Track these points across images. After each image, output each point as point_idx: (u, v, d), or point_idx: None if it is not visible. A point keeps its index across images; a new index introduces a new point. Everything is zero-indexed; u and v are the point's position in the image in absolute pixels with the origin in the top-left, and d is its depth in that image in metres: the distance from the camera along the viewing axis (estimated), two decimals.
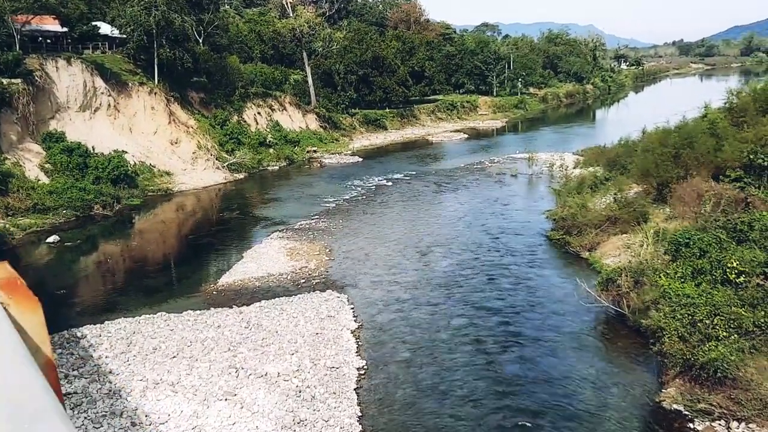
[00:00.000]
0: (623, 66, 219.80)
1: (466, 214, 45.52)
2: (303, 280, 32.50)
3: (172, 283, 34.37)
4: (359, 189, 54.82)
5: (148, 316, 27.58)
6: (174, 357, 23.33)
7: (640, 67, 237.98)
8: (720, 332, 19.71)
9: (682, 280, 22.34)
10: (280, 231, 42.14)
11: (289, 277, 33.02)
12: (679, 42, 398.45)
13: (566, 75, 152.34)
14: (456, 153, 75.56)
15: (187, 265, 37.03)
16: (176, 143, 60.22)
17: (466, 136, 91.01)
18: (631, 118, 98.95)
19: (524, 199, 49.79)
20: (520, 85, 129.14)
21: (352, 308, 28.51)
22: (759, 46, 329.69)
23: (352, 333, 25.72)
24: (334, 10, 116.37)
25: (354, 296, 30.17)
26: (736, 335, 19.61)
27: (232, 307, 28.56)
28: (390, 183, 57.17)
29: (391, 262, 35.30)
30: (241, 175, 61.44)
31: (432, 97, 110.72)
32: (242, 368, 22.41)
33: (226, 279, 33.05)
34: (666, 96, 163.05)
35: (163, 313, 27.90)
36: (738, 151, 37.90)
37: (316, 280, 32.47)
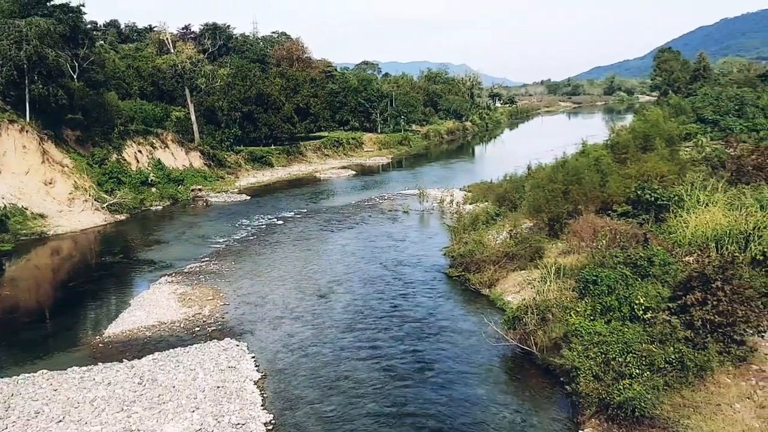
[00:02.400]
0: (498, 104, 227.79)
1: (362, 252, 44.90)
2: (198, 328, 30.70)
3: (52, 336, 31.52)
4: (249, 228, 53.20)
5: (27, 375, 25.03)
6: (60, 421, 21.14)
7: (514, 105, 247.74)
8: (633, 370, 19.81)
9: (592, 317, 22.49)
10: (168, 275, 39.99)
11: (182, 325, 31.12)
12: (547, 81, 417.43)
13: (446, 112, 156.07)
14: (345, 190, 75.16)
15: (68, 315, 34.23)
16: (51, 184, 56.57)
17: (353, 172, 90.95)
18: (510, 154, 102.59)
19: (419, 236, 49.69)
20: (403, 123, 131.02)
21: (253, 356, 27.07)
22: (620, 85, 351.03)
23: (255, 384, 24.29)
24: (215, 47, 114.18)
25: (254, 343, 28.73)
26: (648, 372, 19.77)
27: (122, 361, 26.44)
28: (281, 221, 55.85)
29: (289, 304, 34.06)
30: (122, 216, 58.36)
31: (318, 134, 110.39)
32: (138, 430, 20.59)
33: (113, 329, 30.75)
34: (540, 132, 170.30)
35: (45, 370, 25.45)
36: (623, 187, 39.48)
37: (212, 328, 30.75)
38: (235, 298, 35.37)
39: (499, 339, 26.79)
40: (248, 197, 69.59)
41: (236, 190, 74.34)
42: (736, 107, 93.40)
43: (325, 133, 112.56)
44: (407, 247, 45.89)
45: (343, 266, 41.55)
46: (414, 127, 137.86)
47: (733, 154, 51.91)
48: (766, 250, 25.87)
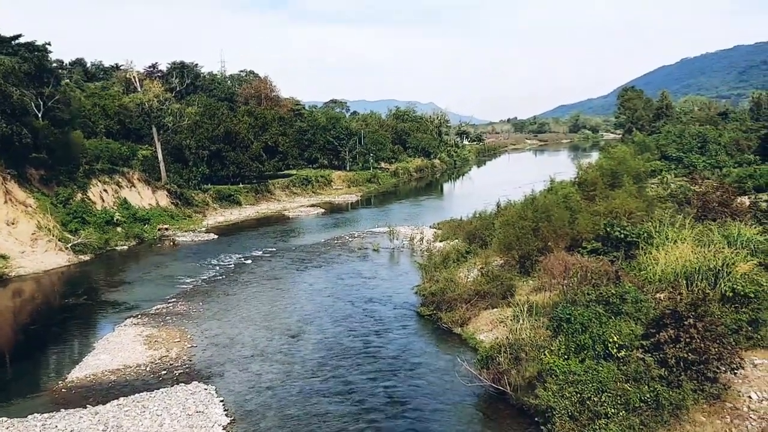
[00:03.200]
0: (466, 141, 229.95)
1: (332, 290, 44.46)
2: (164, 372, 29.92)
3: (12, 381, 30.42)
4: (217, 268, 52.45)
5: None
6: None
7: (482, 143, 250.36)
8: (609, 409, 19.64)
9: (566, 356, 22.31)
10: (134, 317, 39.09)
11: (148, 369, 30.30)
12: (513, 119, 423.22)
13: (415, 150, 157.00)
14: (315, 228, 74.75)
15: (29, 359, 33.16)
16: (13, 224, 55.37)
17: (322, 210, 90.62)
18: (478, 191, 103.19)
19: (389, 274, 49.38)
20: (372, 160, 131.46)
21: (222, 400, 26.37)
22: (585, 123, 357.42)
23: (224, 429, 23.59)
24: (183, 86, 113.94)
25: (222, 386, 28.03)
26: (624, 412, 19.59)
27: (85, 407, 25.56)
28: (249, 261, 55.18)
29: (258, 345, 33.45)
30: (87, 257, 57.17)
31: (286, 172, 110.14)
32: None
33: (77, 374, 29.83)
34: (507, 170, 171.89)
35: (4, 418, 24.49)
36: (592, 224, 39.71)
37: (179, 371, 29.99)
38: (202, 339, 34.64)
39: (472, 379, 26.46)
40: (216, 236, 68.80)
41: (204, 229, 73.49)
42: (699, 144, 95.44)
43: (294, 171, 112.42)
44: (378, 286, 45.55)
45: (313, 305, 41.08)
46: (383, 164, 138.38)
47: (698, 190, 52.65)
48: (735, 286, 25.97)
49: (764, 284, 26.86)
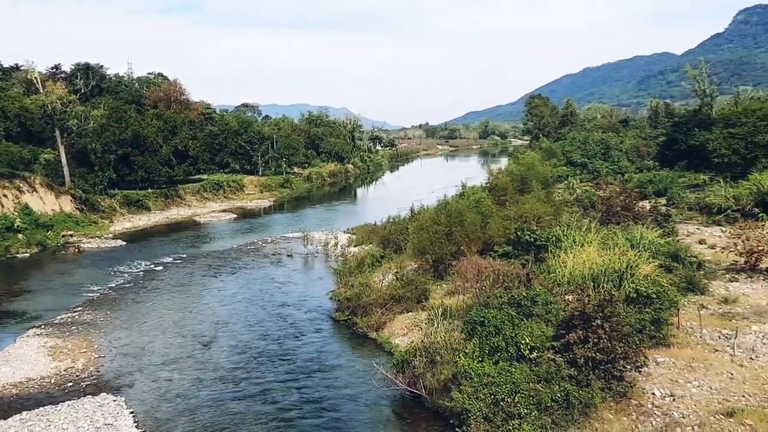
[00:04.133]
0: (379, 147, 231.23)
1: (246, 297, 43.86)
2: (71, 384, 28.82)
3: None
4: (126, 275, 50.88)
5: None
6: None
7: (395, 148, 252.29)
8: (522, 410, 20.13)
9: (481, 359, 22.72)
10: (37, 327, 37.48)
11: (53, 381, 29.12)
12: (425, 125, 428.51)
13: (328, 155, 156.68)
14: (227, 233, 73.55)
15: None
16: None
17: (234, 215, 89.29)
18: (392, 195, 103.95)
19: (304, 280, 49.13)
20: (284, 165, 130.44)
21: (132, 411, 25.65)
22: (494, 129, 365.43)
23: None
24: (88, 88, 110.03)
25: (133, 396, 27.25)
26: (536, 412, 20.12)
27: None
28: (160, 267, 53.80)
29: (170, 353, 32.69)
30: None
31: (197, 177, 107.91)
32: None
33: None
34: (420, 174, 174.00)
35: None
36: (503, 228, 40.62)
37: (87, 383, 28.95)
38: (111, 349, 33.56)
39: (388, 383, 26.61)
40: (124, 243, 66.77)
41: (111, 235, 71.14)
42: (602, 151, 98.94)
43: (205, 176, 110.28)
44: (292, 291, 45.23)
45: (225, 311, 40.49)
46: (296, 169, 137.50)
47: (602, 195, 54.67)
48: (638, 287, 27.08)
49: (665, 285, 28.16)
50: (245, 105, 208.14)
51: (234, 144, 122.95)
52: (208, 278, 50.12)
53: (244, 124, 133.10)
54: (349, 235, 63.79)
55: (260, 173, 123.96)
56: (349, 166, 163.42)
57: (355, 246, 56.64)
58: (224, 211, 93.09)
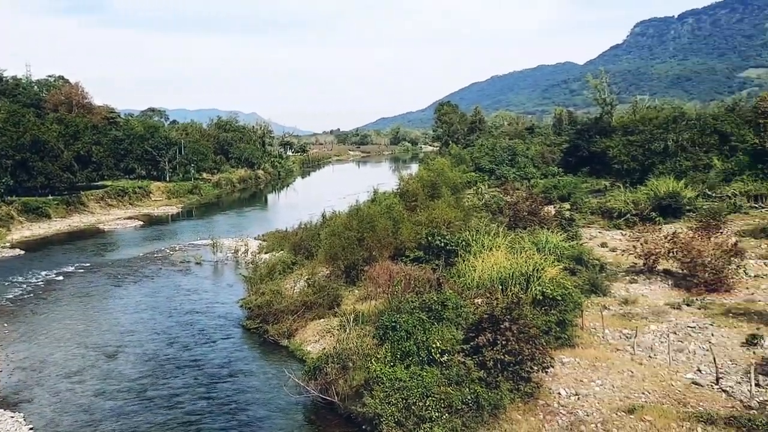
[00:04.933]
0: (290, 152, 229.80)
1: (152, 306, 42.65)
2: None
3: None
4: (24, 286, 48.61)
5: None
6: None
7: (306, 154, 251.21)
8: (433, 413, 20.35)
9: (392, 363, 22.82)
10: None
11: None
12: (336, 131, 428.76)
13: (238, 161, 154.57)
14: (133, 241, 71.39)
15: None
16: None
17: (141, 223, 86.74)
18: (304, 201, 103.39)
19: (214, 288, 48.21)
20: (193, 171, 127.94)
21: (31, 427, 24.68)
22: (405, 136, 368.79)
23: None
24: None
25: (32, 412, 26.12)
26: (447, 415, 20.37)
27: None
28: (61, 277, 51.68)
29: (71, 366, 31.47)
30: None
31: (101, 183, 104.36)
32: None
33: None
34: (332, 180, 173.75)
35: None
36: (414, 233, 41.04)
37: None
38: (8, 363, 32.00)
39: (300, 390, 26.41)
40: (22, 252, 63.86)
41: (8, 244, 67.84)
42: (509, 157, 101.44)
43: (109, 182, 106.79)
44: (201, 300, 44.29)
45: (131, 321, 39.33)
46: (205, 175, 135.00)
47: (509, 200, 56.07)
48: (544, 290, 27.85)
49: (570, 287, 29.06)
50: (152, 109, 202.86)
51: (140, 149, 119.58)
52: (112, 287, 48.50)
53: (151, 129, 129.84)
54: (260, 241, 63.05)
55: (168, 179, 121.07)
56: (260, 171, 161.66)
57: (266, 253, 56.00)
58: (130, 218, 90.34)
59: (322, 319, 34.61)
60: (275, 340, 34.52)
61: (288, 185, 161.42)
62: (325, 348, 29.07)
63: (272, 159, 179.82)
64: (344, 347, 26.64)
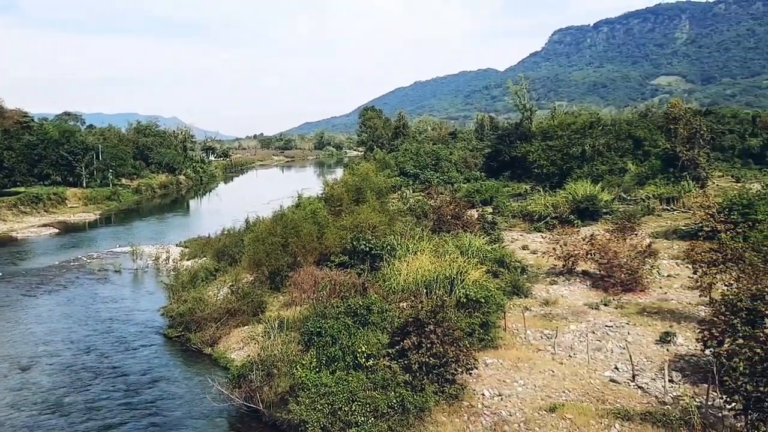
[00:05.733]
0: (212, 157, 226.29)
1: (69, 315, 41.25)
2: None
3: None
4: None
5: None
6: None
7: (229, 159, 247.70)
8: (359, 418, 20.34)
9: (318, 369, 22.70)
10: None
11: None
12: (260, 135, 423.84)
13: (158, 166, 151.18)
14: (48, 249, 68.77)
15: None
16: None
17: (56, 230, 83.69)
18: (227, 207, 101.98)
19: (134, 296, 46.94)
20: (111, 177, 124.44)
21: None
22: (329, 140, 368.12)
23: None
24: None
25: None
26: (373, 419, 20.39)
27: None
28: None
29: None
30: None
31: (13, 190, 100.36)
32: None
33: None
34: (256, 185, 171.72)
35: None
36: (339, 238, 40.95)
37: None
38: None
39: (224, 398, 25.99)
40: None
41: None
42: (433, 162, 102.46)
43: (22, 189, 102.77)
44: (121, 308, 43.07)
45: (46, 332, 37.94)
46: (124, 181, 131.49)
47: (433, 204, 56.65)
48: (468, 292, 28.23)
49: (492, 290, 29.56)
50: (67, 114, 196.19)
51: (55, 154, 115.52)
52: (25, 297, 46.64)
53: (66, 133, 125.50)
54: (182, 248, 61.78)
55: (85, 185, 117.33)
56: (181, 177, 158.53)
57: (188, 259, 54.91)
58: (45, 225, 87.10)
59: (246, 326, 34.18)
60: (198, 348, 33.89)
61: (211, 191, 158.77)
62: (249, 355, 28.71)
63: (194, 164, 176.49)
64: (269, 354, 26.40)
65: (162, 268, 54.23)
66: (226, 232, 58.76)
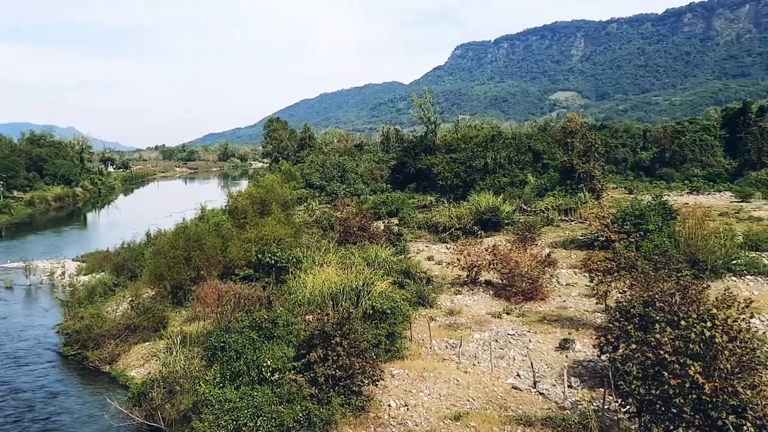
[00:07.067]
0: (111, 169, 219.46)
1: None
2: None
3: None
4: None
5: None
6: None
7: (129, 170, 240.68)
8: None
9: (222, 385, 22.24)
10: None
11: None
12: (161, 147, 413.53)
13: (53, 177, 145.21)
14: None
15: None
16: None
17: None
18: (127, 220, 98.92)
19: (26, 313, 44.69)
20: (2, 189, 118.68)
21: None
22: (234, 152, 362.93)
23: None
24: None
25: None
26: None
27: None
28: None
29: None
30: None
31: None
32: None
33: None
34: (157, 197, 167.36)
35: None
36: (243, 251, 40.41)
37: None
38: None
39: (124, 418, 25.09)
40: None
41: None
42: (340, 174, 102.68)
43: None
44: (12, 327, 40.90)
45: None
46: (16, 193, 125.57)
47: (340, 216, 56.68)
48: (374, 304, 28.34)
49: (398, 300, 29.80)
50: None
51: None
52: None
53: None
54: (79, 263, 59.42)
55: None
56: (78, 189, 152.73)
57: (85, 274, 52.86)
58: None
59: (147, 343, 33.16)
60: (96, 367, 32.60)
61: (110, 203, 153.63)
62: (150, 372, 27.87)
63: (92, 176, 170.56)
64: (171, 370, 25.71)
65: (57, 284, 51.97)
66: (125, 246, 56.94)
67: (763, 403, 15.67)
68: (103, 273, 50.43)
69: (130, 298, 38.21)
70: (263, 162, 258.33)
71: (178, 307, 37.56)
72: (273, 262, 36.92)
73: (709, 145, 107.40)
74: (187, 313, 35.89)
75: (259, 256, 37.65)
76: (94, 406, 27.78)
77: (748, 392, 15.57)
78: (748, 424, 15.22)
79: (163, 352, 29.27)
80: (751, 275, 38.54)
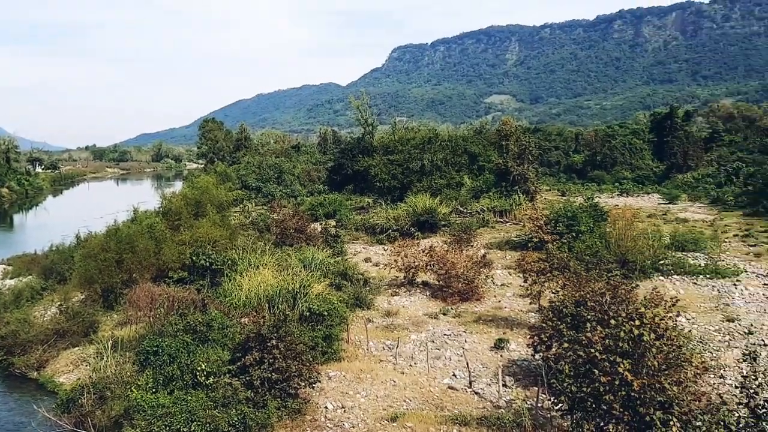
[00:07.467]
0: (39, 169, 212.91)
1: None
2: None
3: None
4: None
5: None
6: None
7: (58, 171, 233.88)
8: None
9: (155, 390, 21.79)
10: None
11: None
12: (92, 147, 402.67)
13: None
14: None
15: None
16: None
17: None
18: (56, 222, 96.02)
19: None
20: None
21: None
22: (168, 153, 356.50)
23: None
24: None
25: None
26: None
27: None
28: None
29: None
30: None
31: None
32: None
33: None
34: (88, 199, 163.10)
35: None
36: (177, 253, 39.70)
37: None
38: None
39: (51, 425, 24.32)
40: None
41: None
42: (276, 175, 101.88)
43: None
44: None
45: None
46: None
47: (276, 218, 56.22)
48: (311, 306, 28.23)
49: (335, 302, 29.75)
50: None
51: None
52: None
53: None
54: (5, 266, 57.37)
55: None
56: (4, 190, 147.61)
57: (11, 278, 51.02)
58: None
59: (77, 348, 32.23)
60: (23, 373, 31.50)
61: (38, 204, 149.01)
62: (80, 378, 27.10)
63: (18, 176, 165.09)
64: (101, 376, 25.11)
65: None
66: (54, 249, 55.21)
67: (689, 398, 16.18)
68: (30, 276, 48.76)
69: (59, 302, 37.08)
70: (198, 163, 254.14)
71: (110, 311, 36.65)
72: (208, 264, 36.37)
73: (638, 148, 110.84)
74: (118, 317, 35.07)
75: (194, 258, 37.05)
76: (21, 413, 26.88)
77: (675, 388, 16.03)
78: (674, 419, 15.67)
79: (94, 357, 28.53)
80: (677, 275, 39.81)
